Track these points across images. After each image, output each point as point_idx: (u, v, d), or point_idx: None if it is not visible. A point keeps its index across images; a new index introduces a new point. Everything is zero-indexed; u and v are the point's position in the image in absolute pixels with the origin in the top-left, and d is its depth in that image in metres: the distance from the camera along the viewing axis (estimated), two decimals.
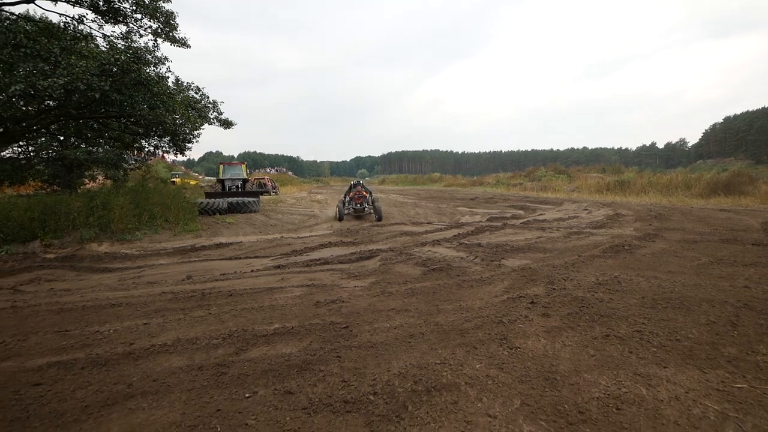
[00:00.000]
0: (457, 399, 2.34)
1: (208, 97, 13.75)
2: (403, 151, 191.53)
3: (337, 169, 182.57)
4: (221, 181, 21.14)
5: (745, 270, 5.02)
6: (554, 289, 4.39)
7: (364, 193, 13.52)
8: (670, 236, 7.66)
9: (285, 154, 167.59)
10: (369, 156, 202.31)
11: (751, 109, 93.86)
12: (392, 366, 2.76)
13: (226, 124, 14.55)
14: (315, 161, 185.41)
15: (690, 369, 2.59)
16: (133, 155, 18.37)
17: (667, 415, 2.12)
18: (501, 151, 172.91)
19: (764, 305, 3.69)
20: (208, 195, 17.84)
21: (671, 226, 8.99)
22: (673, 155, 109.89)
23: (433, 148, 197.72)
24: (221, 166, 21.87)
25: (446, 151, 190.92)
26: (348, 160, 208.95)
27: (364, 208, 12.96)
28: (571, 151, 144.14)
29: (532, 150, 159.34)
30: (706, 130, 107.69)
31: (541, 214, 12.75)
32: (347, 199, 13.65)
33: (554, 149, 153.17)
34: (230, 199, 14.70)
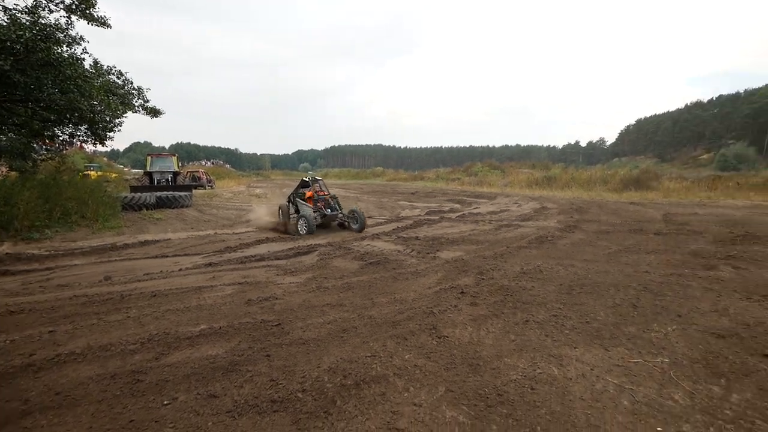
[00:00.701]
0: (385, 390, 2.38)
1: (131, 83, 12.69)
2: (346, 145, 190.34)
3: (279, 162, 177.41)
4: (149, 174, 19.78)
5: (647, 257, 5.58)
6: (483, 279, 4.60)
7: (326, 194, 9.98)
8: (587, 227, 8.33)
9: (223, 146, 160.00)
10: (312, 149, 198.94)
11: (658, 113, 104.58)
12: (323, 362, 2.74)
13: (153, 112, 13.54)
14: (255, 154, 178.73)
15: (596, 348, 2.84)
16: (45, 144, 16.56)
17: (574, 391, 2.32)
18: (442, 147, 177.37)
19: (660, 288, 4.13)
20: (134, 189, 16.61)
21: (589, 218, 9.77)
22: (594, 153, 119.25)
23: (377, 143, 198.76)
24: (149, 158, 20.43)
25: (390, 146, 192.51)
26: (290, 153, 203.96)
27: (337, 215, 9.47)
28: (506, 148, 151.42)
29: (470, 146, 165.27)
30: (621, 131, 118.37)
31: (476, 208, 13.29)
32: (294, 199, 10.13)
33: (490, 146, 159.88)
34: (159, 194, 13.77)
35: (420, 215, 11.63)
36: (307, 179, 10.28)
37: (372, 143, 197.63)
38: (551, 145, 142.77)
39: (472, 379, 2.46)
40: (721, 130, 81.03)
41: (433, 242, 7.10)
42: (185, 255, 6.84)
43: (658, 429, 2.01)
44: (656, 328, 3.14)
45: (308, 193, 9.81)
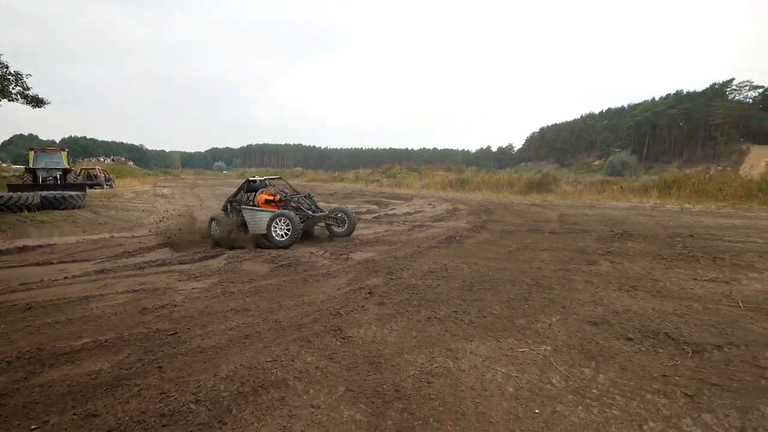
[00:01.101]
0: (284, 395, 2.33)
1: (7, 67, 11.03)
2: (264, 144, 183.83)
3: (190, 160, 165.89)
4: (32, 171, 17.39)
5: (541, 254, 6.13)
6: (392, 278, 4.71)
7: (277, 198, 7.68)
8: (492, 227, 8.93)
9: (126, 142, 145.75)
10: (227, 148, 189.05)
11: (558, 122, 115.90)
12: (220, 370, 2.61)
13: (35, 102, 11.93)
14: (163, 151, 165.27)
15: (489, 340, 3.04)
16: None
17: (466, 382, 2.46)
18: (362, 148, 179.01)
19: (549, 282, 4.56)
20: (12, 187, 14.48)
21: (495, 218, 10.49)
22: (504, 157, 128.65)
23: (297, 143, 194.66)
24: (32, 153, 17.90)
25: (310, 146, 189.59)
26: (203, 151, 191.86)
27: (325, 216, 7.79)
28: (424, 151, 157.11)
29: (390, 149, 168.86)
30: (527, 137, 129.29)
31: (392, 209, 13.60)
32: (235, 207, 7.88)
33: (410, 149, 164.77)
34: (44, 193, 12.12)
35: None
36: (254, 180, 8.18)
37: (292, 143, 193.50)
38: (466, 149, 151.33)
39: (373, 377, 2.50)
40: (609, 140, 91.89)
41: (347, 243, 7.12)
42: (73, 261, 6.12)
43: (536, 411, 2.20)
44: (543, 319, 3.45)
45: (264, 196, 7.59)
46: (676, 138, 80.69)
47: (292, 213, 7.01)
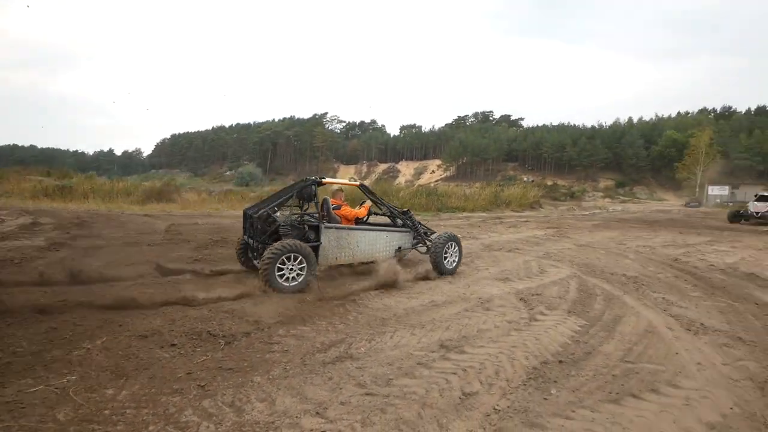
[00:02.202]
0: None
1: None
2: None
3: None
4: None
5: (125, 269, 5.66)
6: None
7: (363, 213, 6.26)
8: (80, 243, 7.59)
9: None
10: None
11: (191, 131, 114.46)
12: None
13: None
14: None
15: None
16: None
17: None
18: None
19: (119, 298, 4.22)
20: None
21: (89, 233, 8.99)
22: (131, 163, 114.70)
23: None
24: None
25: None
26: None
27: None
28: (15, 148, 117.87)
29: None
30: (157, 143, 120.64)
31: None
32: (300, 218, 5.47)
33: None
34: None
35: None
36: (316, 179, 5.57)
37: None
38: (80, 150, 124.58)
39: None
40: (239, 152, 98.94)
41: None
42: None
43: None
44: (84, 347, 3.11)
45: (352, 211, 6.06)
46: (291, 155, 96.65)
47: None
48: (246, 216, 5.58)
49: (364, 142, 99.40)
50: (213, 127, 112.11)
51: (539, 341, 3.53)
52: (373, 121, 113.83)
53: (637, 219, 19.41)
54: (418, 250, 6.40)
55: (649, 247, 9.21)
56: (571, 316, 4.22)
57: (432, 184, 44.76)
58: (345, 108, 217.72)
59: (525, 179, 59.55)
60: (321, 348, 3.35)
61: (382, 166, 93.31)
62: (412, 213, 6.61)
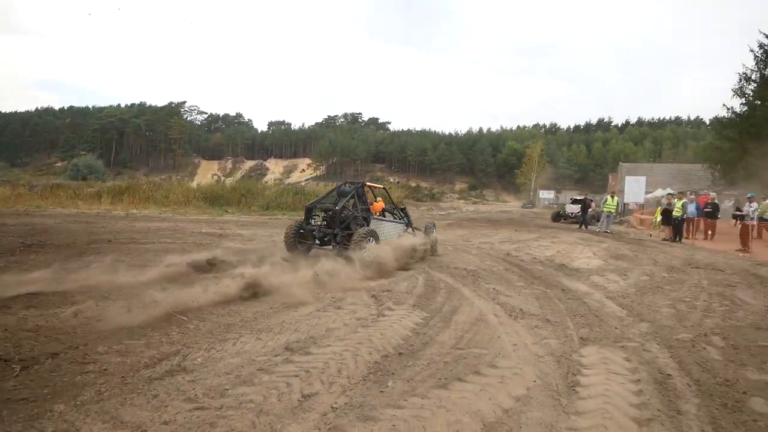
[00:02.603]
0: None
1: None
2: None
3: None
4: None
5: None
6: None
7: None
8: None
9: None
10: None
11: (5, 111, 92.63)
12: None
13: None
14: None
15: None
16: None
17: None
18: None
19: None
20: None
21: None
22: None
23: None
24: None
25: None
26: None
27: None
28: None
29: None
30: None
31: None
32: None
33: None
34: None
35: None
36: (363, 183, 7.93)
37: None
38: None
39: None
40: (74, 140, 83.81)
41: None
42: None
43: None
44: None
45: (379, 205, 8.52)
46: (142, 146, 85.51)
47: None
48: (309, 209, 7.47)
49: (229, 136, 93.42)
50: (37, 109, 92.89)
51: (384, 336, 3.69)
52: (239, 115, 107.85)
53: (484, 219, 22.03)
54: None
55: (489, 243, 10.51)
56: (415, 309, 4.53)
57: (302, 183, 44.34)
58: (207, 98, 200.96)
59: (392, 180, 62.91)
60: (149, 363, 2.99)
61: (249, 163, 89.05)
62: (407, 210, 9.33)
